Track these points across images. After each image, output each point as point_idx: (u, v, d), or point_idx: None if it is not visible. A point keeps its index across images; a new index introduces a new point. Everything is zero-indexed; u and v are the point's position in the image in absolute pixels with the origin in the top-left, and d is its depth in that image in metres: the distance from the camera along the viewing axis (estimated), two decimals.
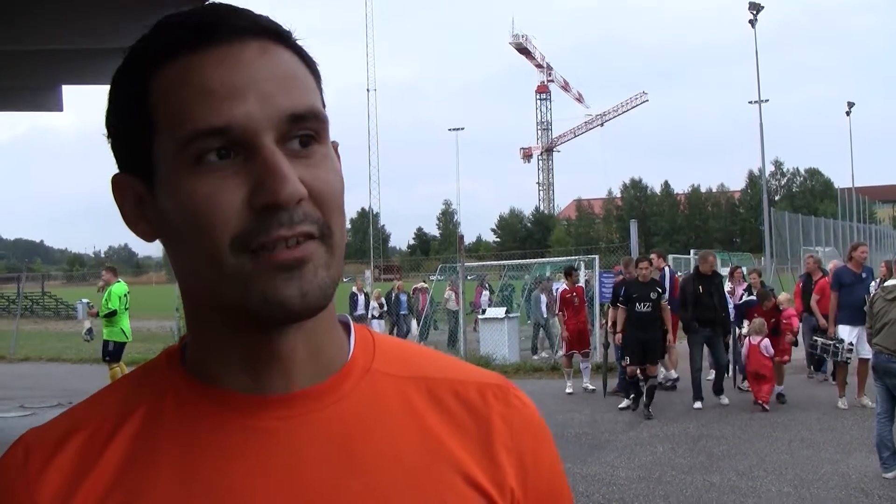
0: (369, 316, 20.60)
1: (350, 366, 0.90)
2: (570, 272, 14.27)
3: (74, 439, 0.85)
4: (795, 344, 11.95)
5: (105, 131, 0.87)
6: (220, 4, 0.83)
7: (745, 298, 12.78)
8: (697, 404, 11.28)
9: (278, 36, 0.83)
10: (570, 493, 1.00)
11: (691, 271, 13.04)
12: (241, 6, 0.84)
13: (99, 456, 0.83)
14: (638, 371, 11.02)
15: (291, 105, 0.79)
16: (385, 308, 21.71)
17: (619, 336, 11.32)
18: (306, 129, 0.81)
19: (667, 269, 13.89)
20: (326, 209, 0.81)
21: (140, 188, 0.84)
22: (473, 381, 0.95)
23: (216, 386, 0.86)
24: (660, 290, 11.17)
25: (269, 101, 0.78)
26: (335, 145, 0.91)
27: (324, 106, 0.87)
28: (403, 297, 22.64)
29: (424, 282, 25.99)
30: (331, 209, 0.81)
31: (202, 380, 0.87)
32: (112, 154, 0.87)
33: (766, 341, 11.12)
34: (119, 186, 0.87)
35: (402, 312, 22.49)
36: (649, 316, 11.00)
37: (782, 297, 12.23)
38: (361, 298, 21.23)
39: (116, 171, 0.87)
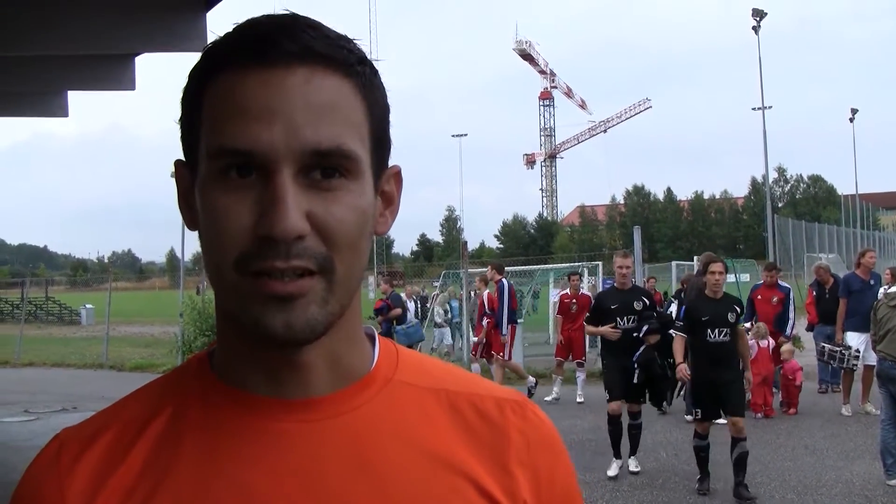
0: (430, 323, 18.40)
1: (372, 375, 0.93)
2: (572, 276, 13.65)
3: (104, 436, 0.89)
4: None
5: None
6: (287, 19, 0.84)
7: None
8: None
9: (331, 61, 0.83)
10: None
11: (697, 275, 11.70)
12: (312, 20, 0.84)
13: (126, 452, 0.87)
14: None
15: (317, 140, 0.80)
16: (448, 315, 19.08)
17: (682, 367, 7.64)
18: (331, 164, 0.82)
19: (504, 281, 13.11)
20: (333, 245, 0.82)
21: (188, 179, 0.89)
22: (492, 396, 0.97)
23: (240, 389, 0.89)
24: (738, 310, 7.72)
25: (296, 133, 0.80)
26: (394, 170, 0.93)
27: (385, 137, 0.89)
28: (455, 304, 19.37)
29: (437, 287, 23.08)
30: (338, 246, 0.82)
31: (227, 383, 0.90)
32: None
33: (773, 343, 11.12)
34: (177, 172, 0.92)
35: (456, 320, 19.25)
36: (726, 348, 7.46)
37: (785, 348, 11.38)
38: (411, 305, 18.28)
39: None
